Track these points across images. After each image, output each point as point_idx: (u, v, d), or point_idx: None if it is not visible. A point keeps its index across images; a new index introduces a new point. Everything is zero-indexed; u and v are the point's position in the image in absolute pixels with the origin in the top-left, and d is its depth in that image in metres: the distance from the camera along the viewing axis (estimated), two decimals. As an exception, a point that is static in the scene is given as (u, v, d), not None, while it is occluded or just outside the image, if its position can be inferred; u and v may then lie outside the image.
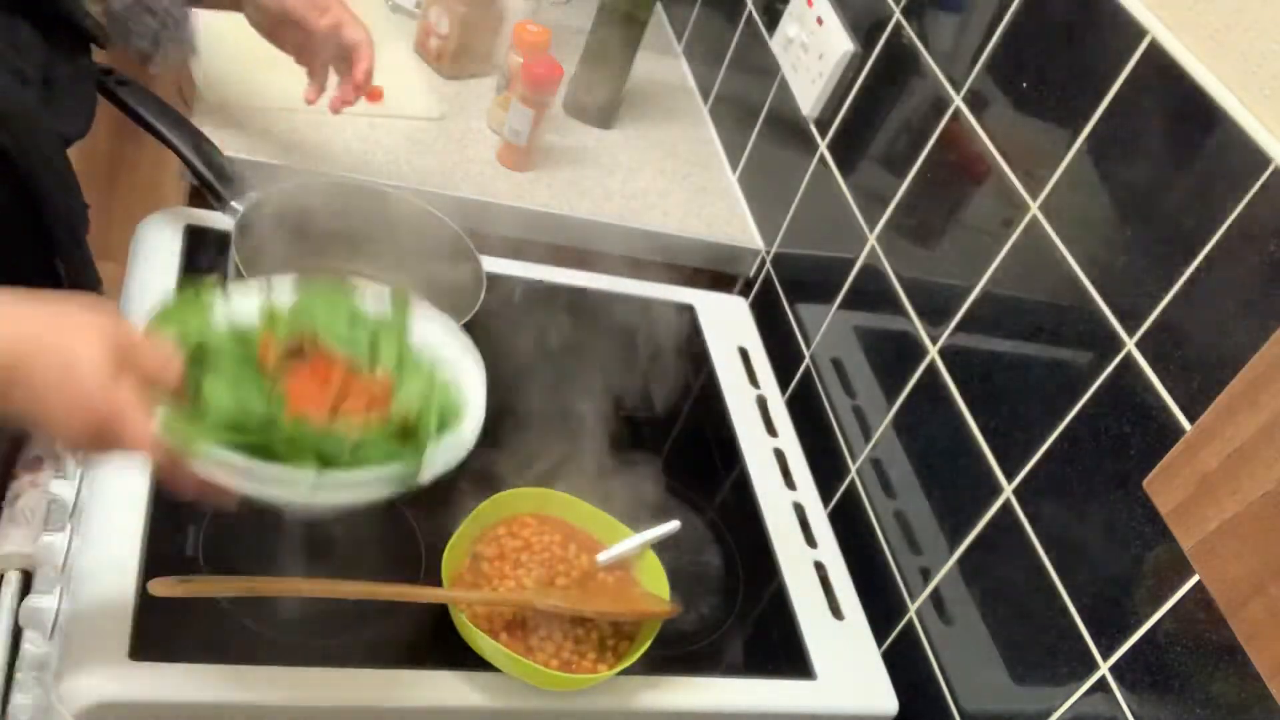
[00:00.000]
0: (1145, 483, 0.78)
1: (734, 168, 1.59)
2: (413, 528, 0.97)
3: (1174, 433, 0.82)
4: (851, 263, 1.25)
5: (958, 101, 1.11)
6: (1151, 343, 0.85)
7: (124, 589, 0.84)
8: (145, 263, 1.09)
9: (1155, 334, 0.85)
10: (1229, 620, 0.71)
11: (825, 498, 1.21)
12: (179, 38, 1.10)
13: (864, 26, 1.29)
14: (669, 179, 1.53)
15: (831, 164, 1.32)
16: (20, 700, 0.87)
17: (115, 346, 0.68)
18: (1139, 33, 0.90)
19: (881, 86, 1.25)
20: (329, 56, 1.15)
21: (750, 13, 1.58)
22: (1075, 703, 0.89)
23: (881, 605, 1.11)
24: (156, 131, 1.07)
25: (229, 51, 1.34)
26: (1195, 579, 0.79)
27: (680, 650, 0.97)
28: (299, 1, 1.12)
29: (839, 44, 1.31)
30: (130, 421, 0.68)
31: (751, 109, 1.54)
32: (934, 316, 1.10)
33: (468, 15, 1.49)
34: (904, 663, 1.07)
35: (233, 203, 1.07)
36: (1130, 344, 0.87)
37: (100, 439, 0.68)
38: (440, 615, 0.90)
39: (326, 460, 0.71)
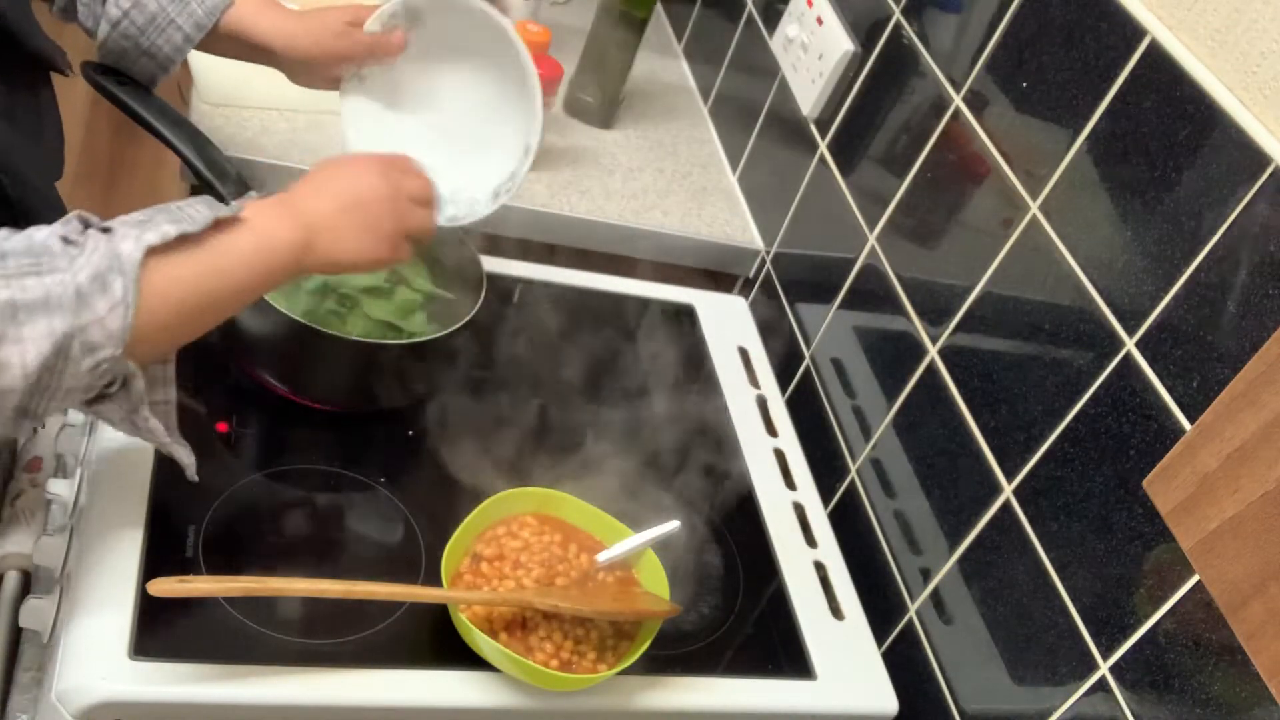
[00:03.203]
0: (1145, 483, 0.78)
1: (734, 168, 1.59)
2: (413, 528, 0.97)
3: (1174, 433, 0.82)
4: (851, 263, 1.25)
5: (958, 101, 1.11)
6: (1151, 343, 0.85)
7: (124, 589, 0.84)
8: (145, 263, 1.09)
9: (1155, 334, 0.85)
10: (1229, 620, 0.71)
11: (825, 498, 1.21)
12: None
13: (864, 26, 1.29)
14: (669, 179, 1.53)
15: (831, 164, 1.32)
16: (20, 700, 0.87)
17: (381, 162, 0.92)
18: (1139, 33, 0.90)
19: (881, 86, 1.25)
20: None
21: (750, 13, 1.58)
22: (1075, 703, 0.89)
23: (881, 605, 1.11)
24: (156, 131, 1.07)
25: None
26: (1195, 579, 0.79)
27: (680, 650, 0.97)
28: (332, 41, 1.07)
29: (839, 44, 1.31)
30: (414, 175, 0.94)
31: (751, 109, 1.54)
32: (934, 316, 1.10)
33: (468, 15, 1.48)
34: (904, 663, 1.07)
35: (233, 203, 1.07)
36: (1130, 344, 0.87)
37: (398, 211, 0.90)
38: (440, 615, 0.90)
39: None
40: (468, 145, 1.11)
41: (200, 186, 1.09)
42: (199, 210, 0.77)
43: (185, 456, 0.85)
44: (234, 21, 1.03)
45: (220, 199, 1.07)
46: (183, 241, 0.74)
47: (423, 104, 1.13)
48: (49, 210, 0.86)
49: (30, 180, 0.85)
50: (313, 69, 1.07)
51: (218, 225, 0.77)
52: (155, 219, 0.74)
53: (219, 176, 1.08)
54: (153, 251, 0.72)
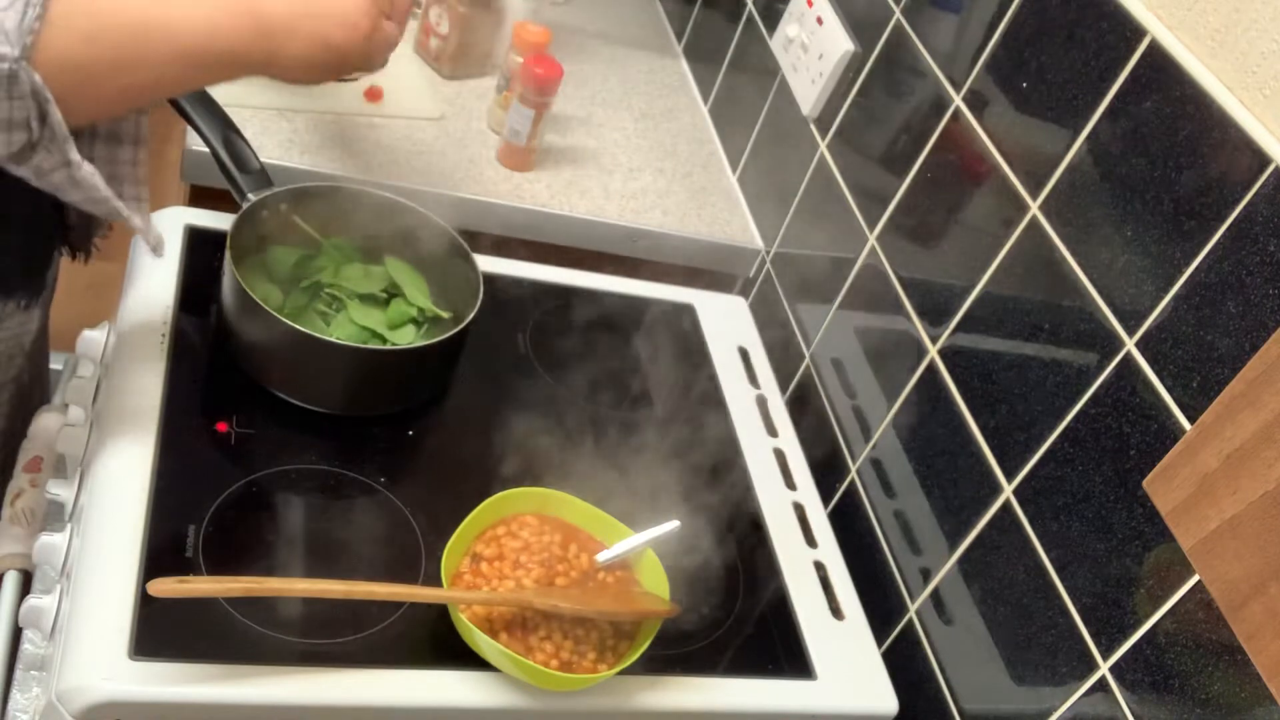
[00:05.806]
0: (1145, 483, 0.78)
1: (734, 168, 1.59)
2: (413, 528, 0.97)
3: (1174, 433, 0.82)
4: (851, 263, 1.25)
5: (958, 101, 1.11)
6: (1151, 343, 0.86)
7: (124, 589, 0.84)
8: (145, 263, 1.09)
9: (1155, 334, 0.85)
10: (1229, 620, 0.71)
11: (825, 498, 1.21)
12: None
13: (864, 26, 1.29)
14: (669, 179, 1.53)
15: (831, 164, 1.32)
16: (20, 700, 0.87)
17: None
18: (1139, 33, 0.90)
19: (881, 86, 1.25)
20: None
21: (750, 13, 1.58)
22: (1075, 703, 0.89)
23: (881, 605, 1.11)
24: (185, 113, 1.07)
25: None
26: (1195, 579, 0.79)
27: (680, 650, 0.97)
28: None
29: (839, 44, 1.31)
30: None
31: (751, 109, 1.54)
32: (934, 316, 1.10)
33: (468, 15, 1.49)
34: (904, 663, 1.07)
35: (250, 194, 1.07)
36: (1130, 344, 0.87)
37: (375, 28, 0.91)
38: (440, 615, 0.90)
39: None
40: None
41: (221, 173, 1.09)
42: None
43: (138, 220, 0.80)
44: None
45: (239, 190, 1.07)
46: None
47: None
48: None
49: None
50: None
51: None
52: None
53: (240, 167, 1.07)
54: None
